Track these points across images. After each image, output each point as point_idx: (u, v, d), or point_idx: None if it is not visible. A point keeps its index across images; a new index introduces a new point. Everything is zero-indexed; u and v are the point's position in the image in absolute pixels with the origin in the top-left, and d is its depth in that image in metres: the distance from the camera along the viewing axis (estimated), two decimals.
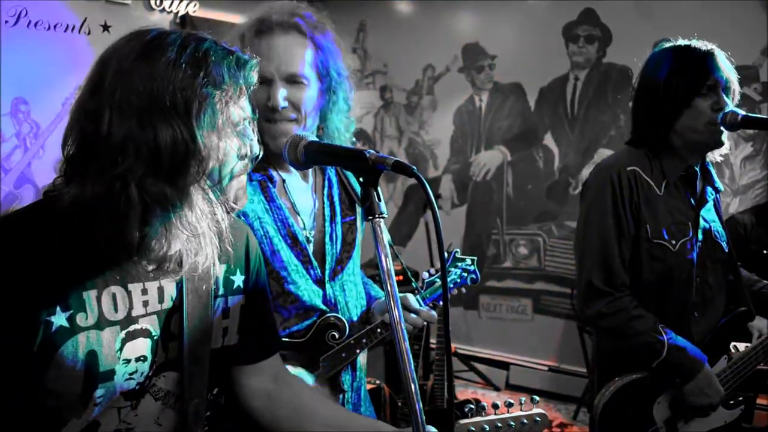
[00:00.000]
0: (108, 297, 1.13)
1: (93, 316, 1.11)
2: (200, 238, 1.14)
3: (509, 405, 1.49)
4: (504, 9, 5.16)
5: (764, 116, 2.00)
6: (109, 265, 1.13)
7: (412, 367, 1.12)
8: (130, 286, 1.16)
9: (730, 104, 1.95)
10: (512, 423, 1.46)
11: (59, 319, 1.07)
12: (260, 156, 1.23)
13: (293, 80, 1.65)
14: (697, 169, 2.06)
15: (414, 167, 1.12)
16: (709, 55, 1.95)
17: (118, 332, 1.14)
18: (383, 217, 1.15)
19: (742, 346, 2.23)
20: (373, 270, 4.80)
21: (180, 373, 1.24)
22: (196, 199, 1.11)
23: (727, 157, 4.06)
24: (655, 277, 2.00)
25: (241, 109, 1.17)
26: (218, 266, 1.29)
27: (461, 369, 5.28)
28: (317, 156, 1.30)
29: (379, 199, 1.16)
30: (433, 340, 4.40)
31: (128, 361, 1.16)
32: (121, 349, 1.14)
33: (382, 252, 1.13)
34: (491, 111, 5.31)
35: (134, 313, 1.16)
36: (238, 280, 1.36)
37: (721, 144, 1.99)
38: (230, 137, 1.14)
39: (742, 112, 1.93)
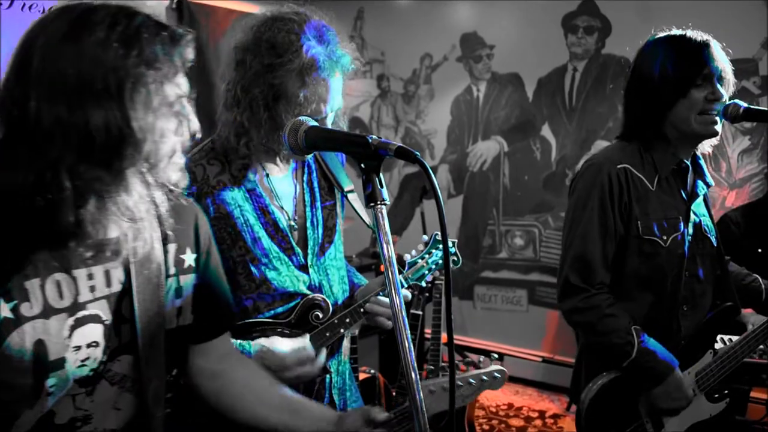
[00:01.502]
0: (52, 284, 1.10)
1: (38, 305, 1.08)
2: (139, 222, 1.12)
3: (470, 364, 1.54)
4: None
5: (766, 109, 1.98)
6: (49, 252, 1.10)
7: (413, 354, 1.11)
8: (75, 272, 1.13)
9: (725, 95, 1.94)
10: (472, 380, 1.51)
11: (3, 310, 1.05)
12: (197, 134, 1.19)
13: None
14: (689, 162, 2.05)
15: (417, 153, 1.11)
16: (704, 46, 1.93)
17: (65, 319, 1.11)
18: (385, 204, 1.14)
19: (728, 340, 2.25)
20: (368, 259, 4.80)
21: (135, 357, 1.22)
22: (133, 182, 1.08)
23: (724, 151, 4.10)
24: (646, 273, 2.01)
25: (177, 87, 1.12)
26: (170, 246, 1.28)
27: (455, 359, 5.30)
28: (318, 141, 1.28)
29: (381, 186, 1.14)
30: (428, 330, 4.40)
31: (79, 347, 1.13)
32: (70, 336, 1.12)
33: (384, 239, 1.12)
34: (489, 101, 5.29)
35: (81, 299, 1.14)
36: (189, 259, 1.34)
37: (715, 134, 1.98)
38: (166, 117, 1.10)
39: (744, 104, 1.92)
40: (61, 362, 1.11)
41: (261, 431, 1.41)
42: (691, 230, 2.03)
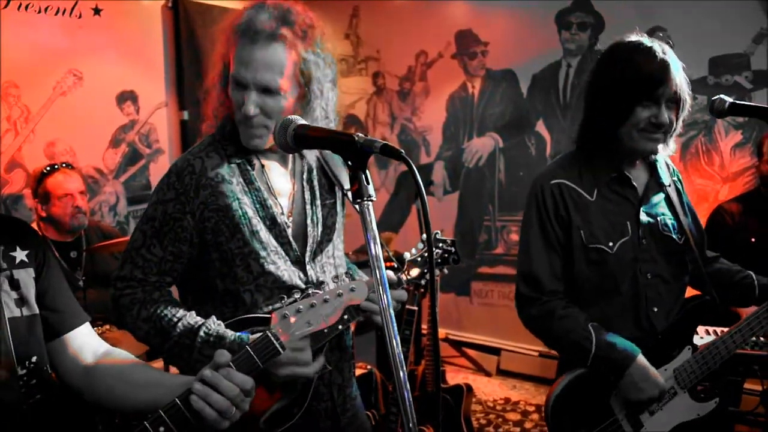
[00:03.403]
0: None
1: None
2: None
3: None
4: None
5: (751, 103, 1.98)
6: None
7: (401, 352, 1.13)
8: None
9: (666, 117, 1.91)
10: (327, 297, 1.49)
11: None
12: None
13: (268, 91, 1.65)
14: (630, 174, 2.04)
15: (402, 150, 1.13)
16: (659, 66, 1.90)
17: None
18: (372, 200, 1.16)
19: (720, 332, 2.21)
20: (366, 256, 4.81)
21: None
22: None
23: (717, 145, 4.12)
24: (598, 280, 2.01)
25: None
26: None
27: (452, 355, 5.31)
28: (306, 139, 1.31)
29: (368, 182, 1.17)
30: (425, 326, 4.42)
31: None
32: None
33: (370, 235, 1.14)
34: (484, 98, 5.31)
35: None
36: (20, 255, 1.42)
37: (652, 152, 2.00)
38: None
39: (729, 99, 1.91)
40: None
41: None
42: (644, 232, 2.02)
